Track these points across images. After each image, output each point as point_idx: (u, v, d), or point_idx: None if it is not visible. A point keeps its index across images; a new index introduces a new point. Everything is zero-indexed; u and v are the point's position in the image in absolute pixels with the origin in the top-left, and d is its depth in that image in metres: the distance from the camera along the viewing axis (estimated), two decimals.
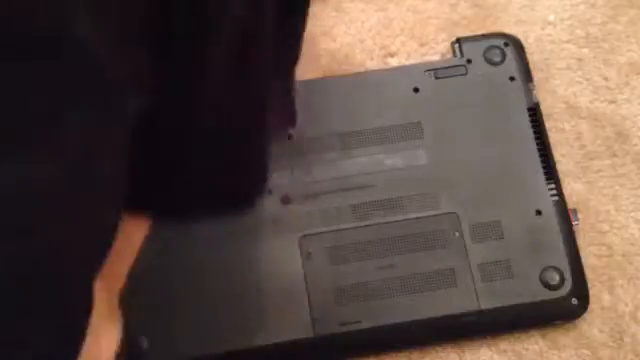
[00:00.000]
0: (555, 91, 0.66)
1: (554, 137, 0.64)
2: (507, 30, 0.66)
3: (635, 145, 0.65)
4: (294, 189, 0.59)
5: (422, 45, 0.67)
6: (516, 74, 0.63)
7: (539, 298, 0.57)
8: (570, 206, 0.60)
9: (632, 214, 0.63)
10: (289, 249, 0.57)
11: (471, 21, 0.68)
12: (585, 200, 0.63)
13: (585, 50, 0.67)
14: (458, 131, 0.61)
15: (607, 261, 0.62)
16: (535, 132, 0.61)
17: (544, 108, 0.63)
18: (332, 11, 0.68)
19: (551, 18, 0.68)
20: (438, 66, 0.62)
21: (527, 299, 0.57)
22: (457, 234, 0.58)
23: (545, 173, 0.60)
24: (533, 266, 0.58)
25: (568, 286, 0.57)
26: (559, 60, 0.67)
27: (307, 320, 0.56)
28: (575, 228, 0.59)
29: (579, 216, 0.60)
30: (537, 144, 0.61)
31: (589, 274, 0.59)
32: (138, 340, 0.55)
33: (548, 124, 0.63)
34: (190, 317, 0.56)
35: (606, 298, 0.61)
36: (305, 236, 0.58)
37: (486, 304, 0.57)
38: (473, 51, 0.63)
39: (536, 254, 0.58)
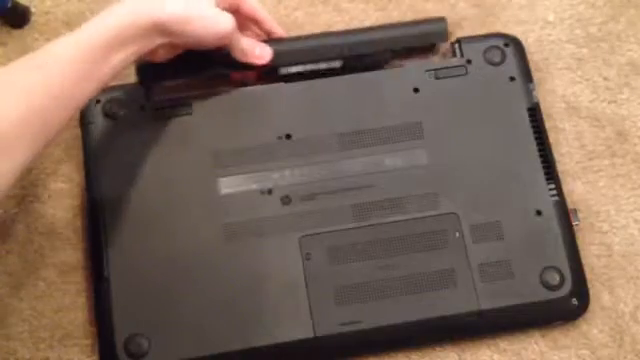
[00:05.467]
0: (555, 91, 0.66)
1: (554, 137, 0.64)
2: (507, 30, 0.66)
3: (635, 145, 0.65)
4: (294, 189, 0.59)
5: None
6: (516, 74, 0.62)
7: (539, 298, 0.57)
8: (570, 206, 0.60)
9: (632, 214, 0.63)
10: (289, 249, 0.57)
11: (471, 21, 0.68)
12: (585, 200, 0.63)
13: (585, 50, 0.67)
14: (458, 131, 0.61)
15: (607, 261, 0.62)
16: (535, 132, 0.61)
17: (544, 108, 0.63)
18: (332, 11, 0.68)
19: (551, 18, 0.68)
20: (438, 66, 0.62)
21: (527, 299, 0.57)
22: (457, 234, 0.58)
23: (545, 173, 0.60)
24: (533, 266, 0.58)
25: (568, 286, 0.57)
26: (559, 60, 0.67)
27: (307, 320, 0.56)
28: (575, 228, 0.59)
29: (579, 216, 0.61)
30: (537, 144, 0.61)
31: (589, 274, 0.59)
32: (138, 340, 0.55)
33: (548, 124, 0.63)
34: (190, 317, 0.56)
35: (606, 298, 0.61)
36: (305, 236, 0.58)
37: (486, 304, 0.57)
38: (473, 51, 0.63)
39: (536, 254, 0.58)
